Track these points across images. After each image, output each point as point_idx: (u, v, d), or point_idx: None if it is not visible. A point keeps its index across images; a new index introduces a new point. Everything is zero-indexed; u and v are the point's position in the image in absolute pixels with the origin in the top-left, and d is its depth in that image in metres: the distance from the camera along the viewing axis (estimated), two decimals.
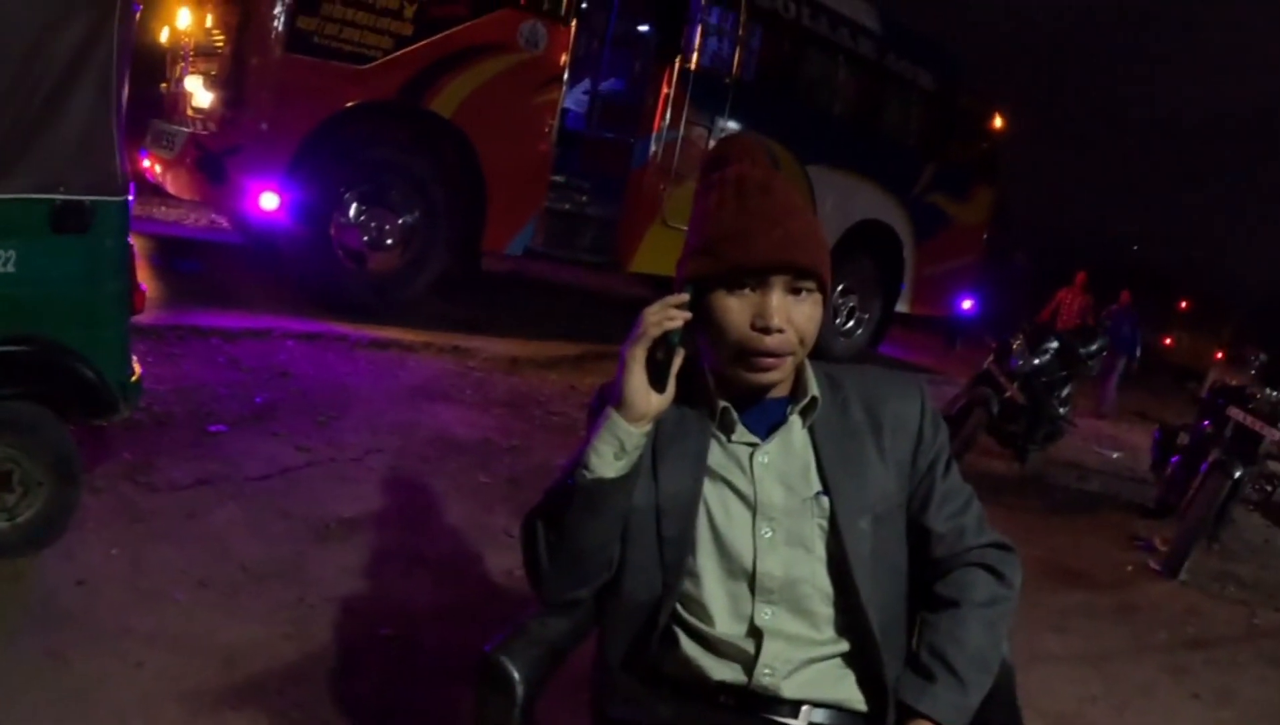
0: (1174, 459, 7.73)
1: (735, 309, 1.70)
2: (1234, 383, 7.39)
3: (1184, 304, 50.45)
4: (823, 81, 11.24)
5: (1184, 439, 7.80)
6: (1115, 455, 10.13)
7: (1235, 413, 6.64)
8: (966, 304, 13.34)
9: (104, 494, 4.20)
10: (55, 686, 3.03)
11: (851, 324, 11.78)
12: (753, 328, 1.69)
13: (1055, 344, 7.99)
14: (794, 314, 1.70)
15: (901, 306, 12.50)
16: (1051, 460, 8.63)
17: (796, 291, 1.71)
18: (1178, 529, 6.57)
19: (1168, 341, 42.57)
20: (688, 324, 1.70)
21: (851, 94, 11.55)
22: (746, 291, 1.70)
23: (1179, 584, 6.13)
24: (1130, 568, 6.32)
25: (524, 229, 8.85)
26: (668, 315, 1.67)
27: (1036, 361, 7.88)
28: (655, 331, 1.67)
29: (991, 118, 13.23)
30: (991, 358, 8.02)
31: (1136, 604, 5.68)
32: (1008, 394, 7.73)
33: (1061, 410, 8.16)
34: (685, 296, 1.70)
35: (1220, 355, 16.16)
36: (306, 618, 3.61)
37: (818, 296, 1.74)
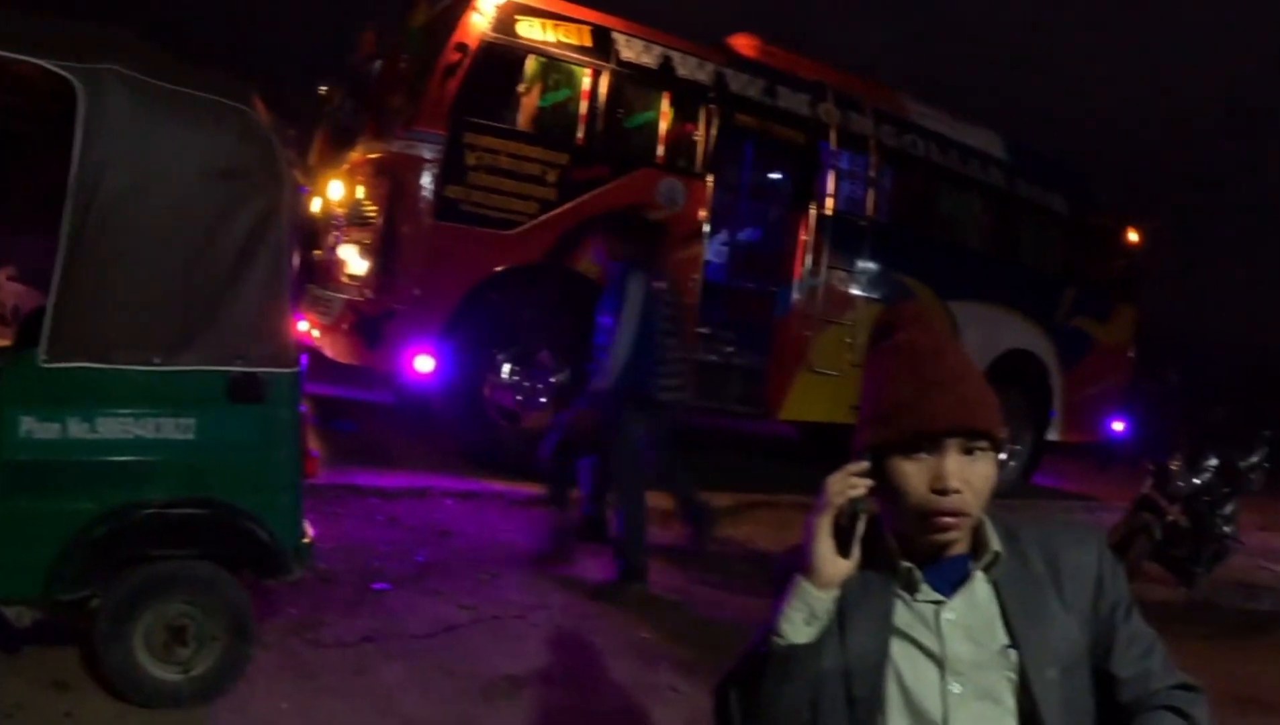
0: None
1: (913, 474, 1.73)
2: None
3: None
4: (956, 215, 11.25)
5: None
6: None
7: None
8: (1118, 426, 12.97)
9: (273, 649, 4.31)
10: None
11: (1004, 457, 11.50)
12: (931, 491, 1.72)
13: (1215, 461, 7.71)
14: (969, 474, 1.73)
15: (1053, 435, 12.18)
16: (1220, 581, 8.20)
17: (970, 452, 1.74)
18: None
19: None
20: (868, 490, 1.72)
21: (986, 225, 11.52)
22: (923, 456, 1.73)
23: None
24: None
25: None
26: (850, 484, 1.72)
27: (1197, 481, 7.61)
28: (839, 500, 1.71)
29: (1126, 234, 12.98)
30: (1150, 481, 7.76)
31: None
32: (1170, 518, 7.47)
33: (1227, 529, 7.82)
34: (865, 465, 1.74)
35: None
36: None
37: (991, 455, 1.77)
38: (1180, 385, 13.24)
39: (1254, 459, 7.92)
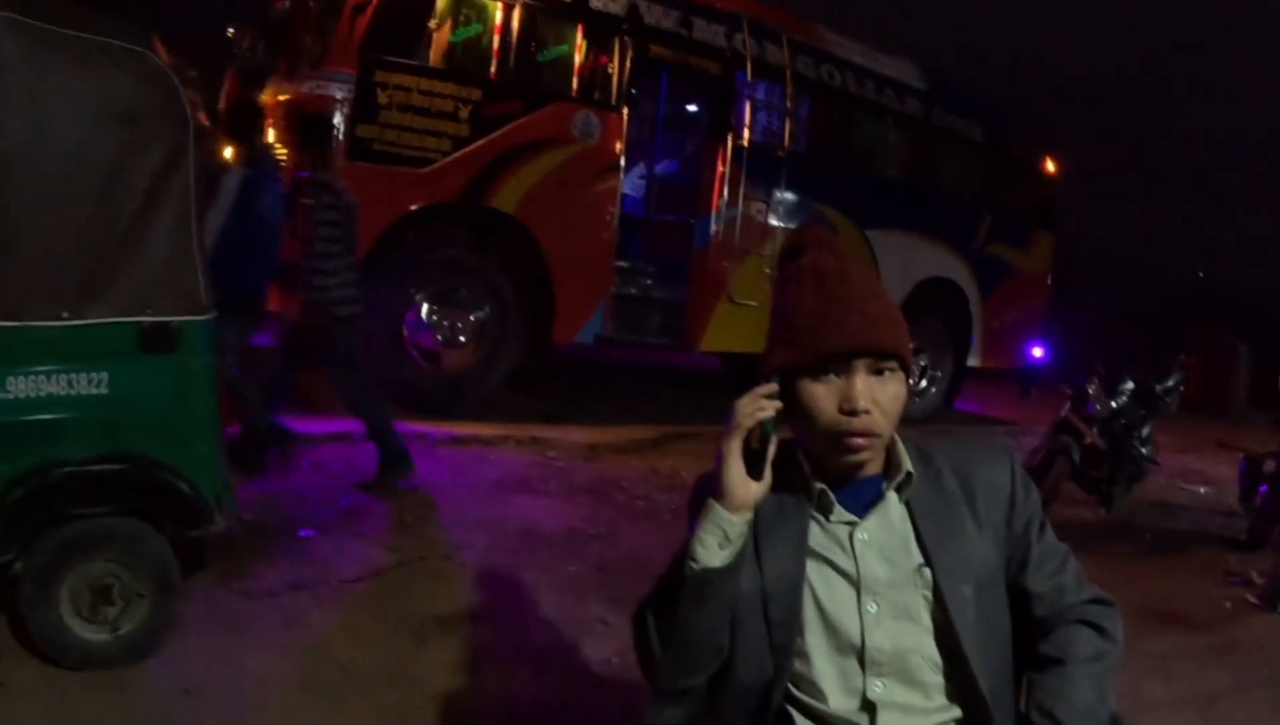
0: (1262, 488, 7.53)
1: (822, 395, 1.75)
2: None
3: None
4: (874, 144, 11.32)
5: (1270, 467, 7.60)
6: (1202, 490, 9.88)
7: None
8: (1037, 352, 13.21)
9: (202, 602, 4.26)
10: None
11: (925, 383, 11.68)
12: (840, 411, 1.74)
13: (1131, 385, 7.89)
14: (879, 394, 1.75)
15: (973, 361, 12.40)
16: (1137, 502, 8.44)
17: (879, 372, 1.76)
18: (1272, 560, 6.39)
19: None
20: (778, 412, 1.73)
21: (904, 154, 11.61)
22: (831, 377, 1.75)
23: (1279, 616, 5.97)
24: (1228, 604, 6.15)
25: (592, 317, 8.94)
26: (759, 406, 1.72)
27: (1114, 404, 7.78)
28: (749, 423, 1.72)
29: (1044, 163, 13.19)
30: (1068, 405, 7.93)
31: (1237, 641, 5.53)
32: (1088, 440, 7.63)
33: (1143, 450, 8.02)
34: (774, 386, 1.75)
35: None
36: (411, 717, 3.64)
37: (900, 375, 1.79)
38: (1097, 311, 13.49)
39: (1169, 383, 8.10)
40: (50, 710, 3.41)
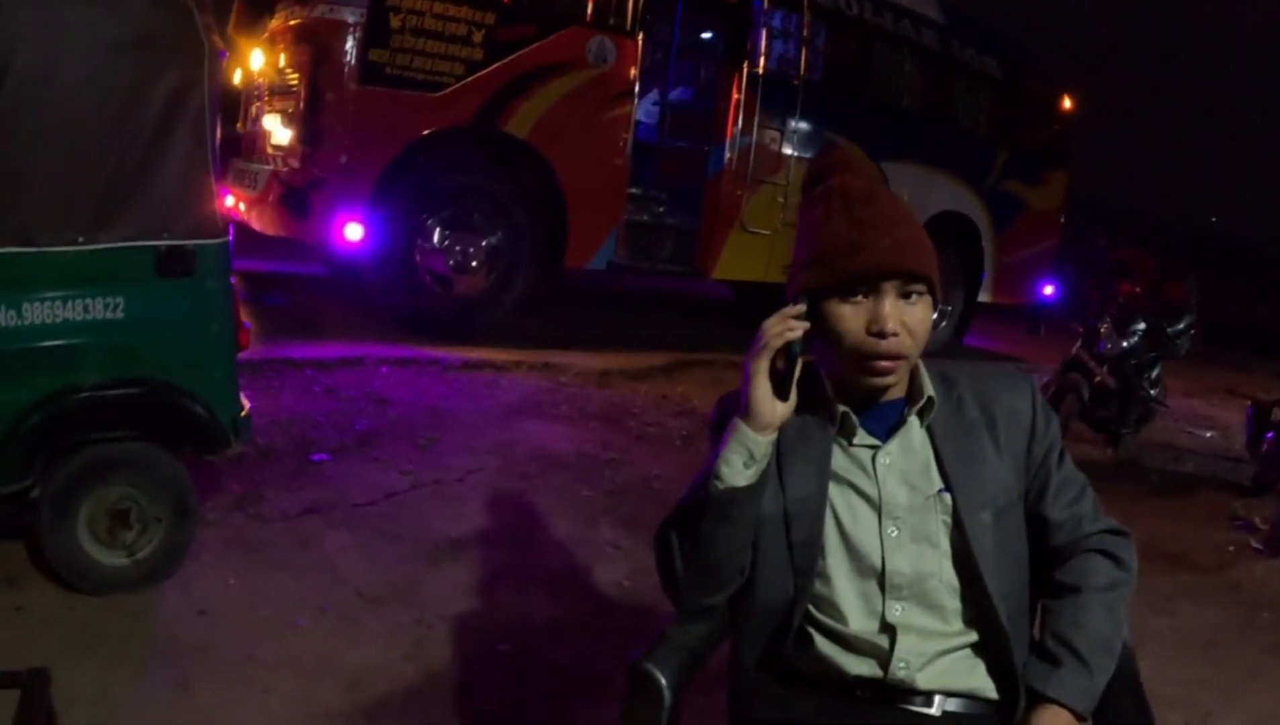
0: (1269, 435, 7.50)
1: (850, 316, 1.75)
2: None
3: None
4: (890, 76, 11.18)
5: (1278, 414, 7.61)
6: (1209, 434, 9.89)
7: None
8: (1048, 289, 13.17)
9: (217, 527, 4.30)
10: (185, 717, 3.13)
11: (935, 316, 11.62)
12: (868, 333, 1.74)
13: (1142, 325, 7.86)
14: (906, 317, 1.75)
15: (984, 296, 12.36)
16: (1145, 443, 8.45)
17: (907, 295, 1.76)
18: (1276, 506, 6.42)
19: None
20: (805, 333, 1.73)
21: (919, 87, 11.48)
22: (860, 299, 1.75)
23: None
24: (1231, 548, 6.16)
25: (605, 244, 8.90)
26: (787, 326, 1.73)
27: (1125, 344, 7.76)
28: (777, 343, 1.72)
29: (1060, 100, 13.07)
30: (1079, 343, 7.92)
31: (1240, 584, 5.56)
32: (1098, 379, 7.63)
33: (1153, 392, 8.01)
34: (802, 307, 1.75)
35: None
36: (425, 638, 3.69)
37: (928, 299, 1.79)
38: (1108, 250, 13.36)
39: (1181, 325, 8.08)
40: (69, 634, 3.46)
